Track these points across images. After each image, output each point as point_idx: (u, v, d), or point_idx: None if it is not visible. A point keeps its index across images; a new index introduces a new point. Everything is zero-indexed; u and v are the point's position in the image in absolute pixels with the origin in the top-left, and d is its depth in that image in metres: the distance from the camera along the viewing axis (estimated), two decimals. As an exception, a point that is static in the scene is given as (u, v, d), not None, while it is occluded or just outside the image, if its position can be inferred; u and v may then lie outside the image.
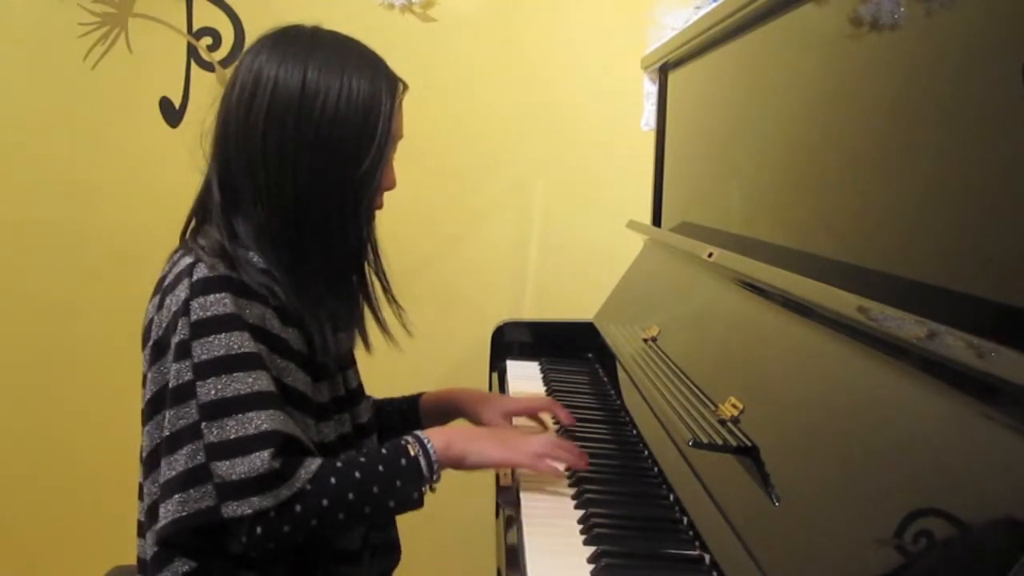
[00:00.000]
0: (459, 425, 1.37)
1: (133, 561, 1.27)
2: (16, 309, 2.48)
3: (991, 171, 0.85)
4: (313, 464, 1.14)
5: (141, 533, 1.22)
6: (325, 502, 1.13)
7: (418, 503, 1.21)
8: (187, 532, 1.13)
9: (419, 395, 1.55)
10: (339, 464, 1.16)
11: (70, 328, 2.48)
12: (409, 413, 1.52)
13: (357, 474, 1.16)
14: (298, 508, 1.12)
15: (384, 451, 1.21)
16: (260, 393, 1.13)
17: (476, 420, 1.52)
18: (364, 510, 1.16)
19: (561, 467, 1.28)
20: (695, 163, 1.89)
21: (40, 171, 2.46)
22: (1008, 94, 0.82)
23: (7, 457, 2.50)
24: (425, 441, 1.22)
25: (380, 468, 1.18)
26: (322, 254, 1.23)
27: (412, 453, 1.20)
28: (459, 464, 1.24)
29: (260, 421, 1.11)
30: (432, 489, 1.23)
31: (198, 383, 1.13)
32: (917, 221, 0.98)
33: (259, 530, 1.11)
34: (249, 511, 1.10)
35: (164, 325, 1.18)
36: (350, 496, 1.15)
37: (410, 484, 1.19)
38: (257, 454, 1.10)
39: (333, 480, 1.14)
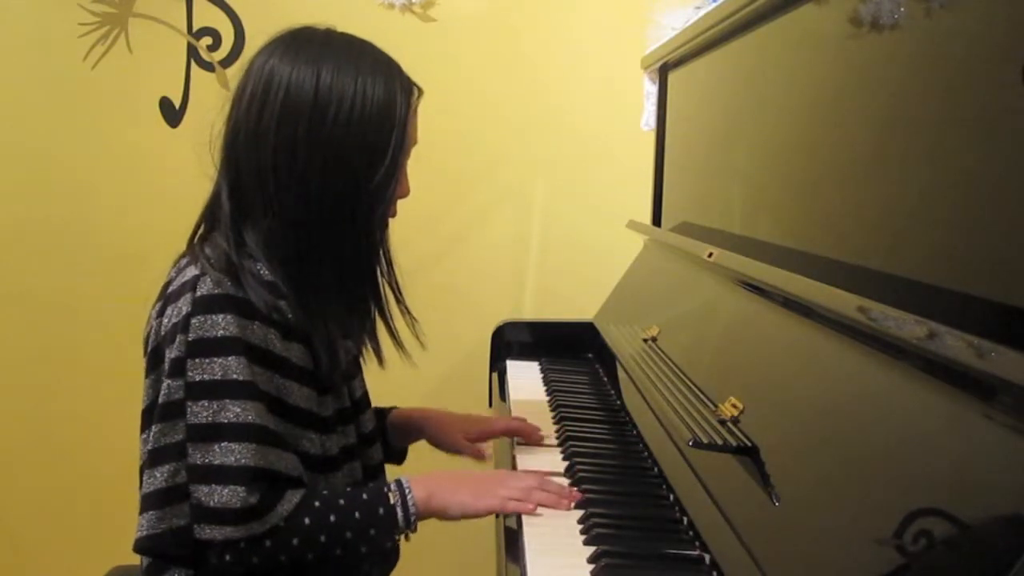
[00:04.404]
0: (441, 470, 1.32)
1: (133, 561, 1.27)
2: (16, 309, 2.48)
3: (991, 171, 0.85)
4: (290, 502, 1.13)
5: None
6: (295, 541, 1.13)
7: (391, 552, 1.21)
8: (164, 547, 1.13)
9: (390, 409, 1.53)
10: (317, 504, 1.15)
11: (70, 328, 2.48)
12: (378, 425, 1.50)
13: (332, 518, 1.15)
14: (268, 544, 1.12)
15: (365, 496, 1.18)
16: (249, 425, 1.11)
17: (439, 444, 1.51)
18: (335, 551, 1.16)
19: (529, 507, 1.20)
20: (695, 163, 1.89)
21: (40, 171, 2.46)
22: (1008, 94, 0.82)
23: (7, 457, 2.50)
24: (407, 491, 1.19)
25: (356, 515, 1.16)
26: (333, 265, 1.21)
27: (391, 502, 1.18)
28: (441, 516, 1.22)
29: (243, 453, 1.10)
30: (407, 538, 1.22)
31: (189, 403, 1.12)
32: (917, 221, 0.98)
33: (228, 557, 1.12)
34: (220, 537, 1.10)
35: (163, 335, 1.16)
36: (321, 538, 1.14)
37: (384, 533, 1.18)
38: (234, 488, 1.09)
39: (307, 521, 1.13)
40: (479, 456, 1.48)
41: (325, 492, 1.19)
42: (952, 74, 0.93)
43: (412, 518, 1.18)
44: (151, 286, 1.24)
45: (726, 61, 1.68)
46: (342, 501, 1.17)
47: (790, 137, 1.36)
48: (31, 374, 2.49)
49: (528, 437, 1.47)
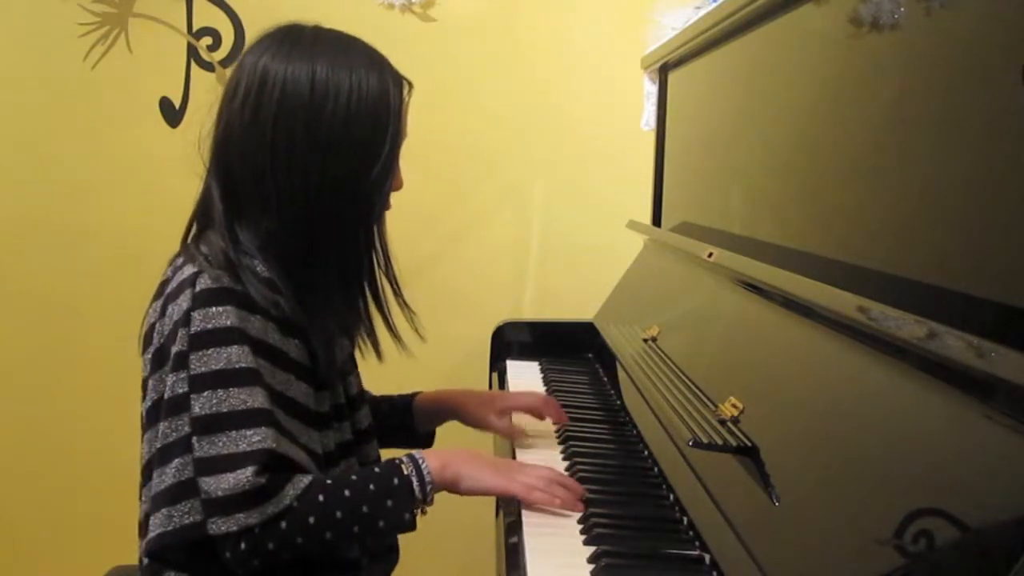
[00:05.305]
0: (457, 447, 1.34)
1: (133, 561, 1.27)
2: (16, 309, 2.48)
3: (991, 171, 0.85)
4: (302, 482, 1.11)
5: (142, 535, 1.22)
6: (312, 519, 1.10)
7: (410, 525, 1.17)
8: (174, 547, 1.12)
9: (414, 394, 1.54)
10: (329, 482, 1.13)
11: (70, 328, 2.47)
12: (403, 413, 1.51)
13: (346, 492, 1.13)
14: (283, 525, 1.09)
15: (377, 470, 1.17)
16: (254, 410, 1.10)
17: (472, 421, 1.51)
18: (353, 529, 1.13)
19: (556, 501, 1.20)
20: (695, 163, 1.89)
21: (40, 171, 2.46)
22: (1008, 94, 0.82)
23: (7, 457, 2.50)
24: (420, 461, 1.18)
25: (371, 487, 1.14)
26: (333, 261, 1.21)
27: (405, 473, 1.16)
28: (453, 487, 1.20)
29: (251, 438, 1.09)
30: (423, 512, 1.19)
31: (192, 396, 1.11)
32: (917, 221, 0.98)
33: (243, 546, 1.09)
34: (235, 528, 1.08)
35: (165, 334, 1.16)
36: (338, 514, 1.11)
37: (401, 505, 1.15)
38: (242, 470, 1.08)
39: (321, 498, 1.11)
40: (510, 434, 1.49)
41: (335, 472, 1.18)
42: (952, 74, 0.93)
43: (428, 487, 1.17)
44: (151, 286, 1.24)
45: (726, 61, 1.68)
46: (354, 477, 1.16)
47: (790, 137, 1.36)
48: (31, 374, 2.49)
49: (555, 419, 1.49)
